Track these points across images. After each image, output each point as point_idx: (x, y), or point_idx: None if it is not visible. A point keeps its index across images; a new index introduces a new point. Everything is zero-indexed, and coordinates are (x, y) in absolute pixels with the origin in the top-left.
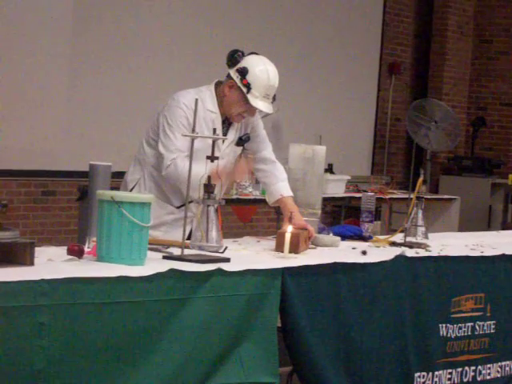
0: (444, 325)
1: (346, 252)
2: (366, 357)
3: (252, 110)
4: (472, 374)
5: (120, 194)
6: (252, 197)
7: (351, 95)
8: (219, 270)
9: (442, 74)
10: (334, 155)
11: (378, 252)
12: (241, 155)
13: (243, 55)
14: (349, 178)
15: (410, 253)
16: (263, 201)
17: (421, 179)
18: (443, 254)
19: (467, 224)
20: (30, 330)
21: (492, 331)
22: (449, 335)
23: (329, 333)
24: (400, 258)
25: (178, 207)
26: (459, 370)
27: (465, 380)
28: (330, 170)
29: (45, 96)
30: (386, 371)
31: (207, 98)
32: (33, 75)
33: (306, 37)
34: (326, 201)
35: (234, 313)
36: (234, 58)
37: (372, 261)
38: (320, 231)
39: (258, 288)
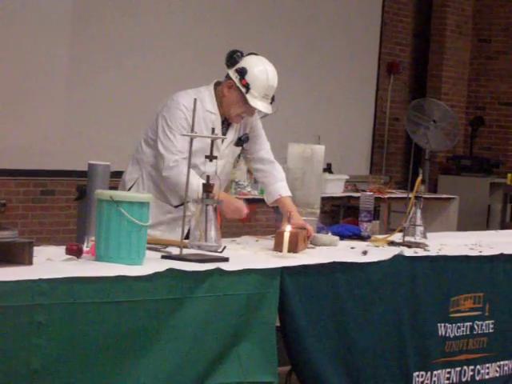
0: (443, 324)
1: (344, 251)
2: (365, 356)
3: (251, 110)
4: (471, 373)
5: (119, 194)
6: (251, 196)
7: (350, 95)
8: (218, 270)
9: (440, 74)
10: (333, 155)
11: (376, 251)
12: (239, 156)
13: (242, 55)
14: (347, 177)
15: (409, 252)
16: (262, 200)
17: (419, 179)
18: (442, 253)
19: (466, 223)
20: (28, 329)
21: (491, 331)
22: (447, 335)
23: (327, 332)
24: (399, 257)
25: (176, 206)
26: (458, 369)
27: (463, 379)
28: (328, 169)
29: (44, 96)
30: (385, 370)
31: (206, 98)
32: (32, 75)
33: (304, 36)
34: (325, 200)
35: (233, 312)
36: (232, 58)
37: (371, 260)
38: (319, 231)
39: (256, 287)
